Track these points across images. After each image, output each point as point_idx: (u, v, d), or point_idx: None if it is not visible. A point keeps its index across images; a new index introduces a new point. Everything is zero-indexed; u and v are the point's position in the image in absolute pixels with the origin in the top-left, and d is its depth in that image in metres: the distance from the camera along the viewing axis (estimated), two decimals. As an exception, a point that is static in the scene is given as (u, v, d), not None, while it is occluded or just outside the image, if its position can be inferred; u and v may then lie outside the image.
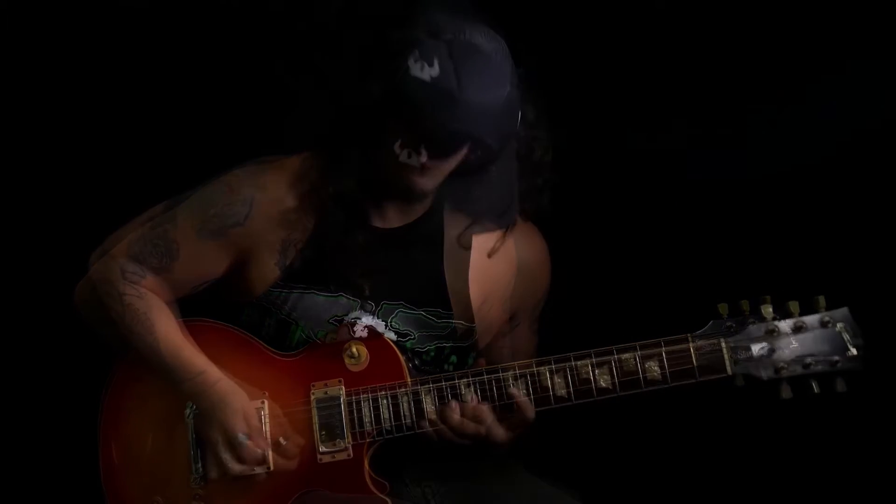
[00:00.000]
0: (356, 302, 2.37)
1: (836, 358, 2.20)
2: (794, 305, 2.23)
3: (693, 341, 2.24)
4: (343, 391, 2.32)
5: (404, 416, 2.29)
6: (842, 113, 2.84)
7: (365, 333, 2.37)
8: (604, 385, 2.25)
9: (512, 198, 2.37)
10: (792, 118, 2.87)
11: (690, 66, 2.93)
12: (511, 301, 2.47)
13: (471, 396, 2.28)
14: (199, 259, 2.35)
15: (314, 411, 2.32)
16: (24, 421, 3.06)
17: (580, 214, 2.84)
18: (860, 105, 2.83)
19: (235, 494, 2.32)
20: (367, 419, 2.30)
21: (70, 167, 3.03)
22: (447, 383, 2.29)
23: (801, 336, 2.22)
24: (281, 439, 2.30)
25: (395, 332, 2.38)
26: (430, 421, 2.28)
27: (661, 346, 2.24)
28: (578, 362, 2.26)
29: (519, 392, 2.27)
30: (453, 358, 2.44)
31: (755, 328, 2.23)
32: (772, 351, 2.22)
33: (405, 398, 2.30)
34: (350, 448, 2.30)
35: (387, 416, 2.30)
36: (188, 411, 2.34)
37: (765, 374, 2.22)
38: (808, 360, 2.20)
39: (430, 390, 2.29)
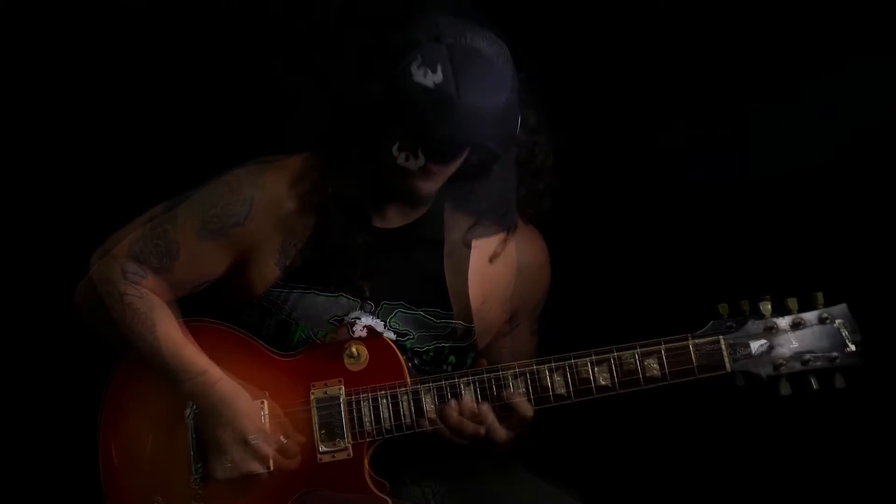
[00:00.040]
0: (356, 302, 2.37)
1: (835, 354, 2.20)
2: (792, 302, 2.23)
3: (692, 340, 2.24)
4: (343, 391, 2.32)
5: (404, 415, 2.30)
6: (842, 113, 2.84)
7: (364, 333, 2.37)
8: (603, 383, 2.25)
9: (512, 199, 2.37)
10: (792, 118, 2.87)
11: (690, 67, 2.93)
12: (511, 302, 2.47)
13: (469, 397, 2.28)
14: (199, 259, 2.36)
15: (314, 411, 2.32)
16: (24, 421, 3.06)
17: (580, 214, 2.83)
18: (860, 105, 2.83)
19: (235, 494, 2.32)
20: (366, 419, 2.30)
21: (70, 167, 3.04)
22: (447, 382, 2.29)
23: (799, 333, 2.22)
24: (282, 438, 2.30)
25: (395, 332, 2.39)
26: (430, 420, 2.28)
27: (660, 345, 2.25)
28: (578, 361, 2.26)
29: (512, 393, 2.27)
30: (452, 358, 2.44)
31: (754, 325, 2.23)
32: (771, 348, 2.22)
33: (405, 398, 2.30)
34: (350, 448, 2.30)
35: (386, 415, 2.30)
36: (188, 411, 2.34)
37: (764, 371, 2.22)
38: (807, 356, 2.21)
39: (429, 390, 2.29)
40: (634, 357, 2.25)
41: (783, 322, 2.23)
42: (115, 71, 3.00)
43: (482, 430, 2.27)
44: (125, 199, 2.54)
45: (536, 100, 2.31)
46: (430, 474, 2.44)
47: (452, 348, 2.43)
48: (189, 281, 2.37)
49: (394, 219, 2.37)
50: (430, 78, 2.12)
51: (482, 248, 2.42)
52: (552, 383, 2.27)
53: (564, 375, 2.26)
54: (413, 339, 2.40)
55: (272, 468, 2.30)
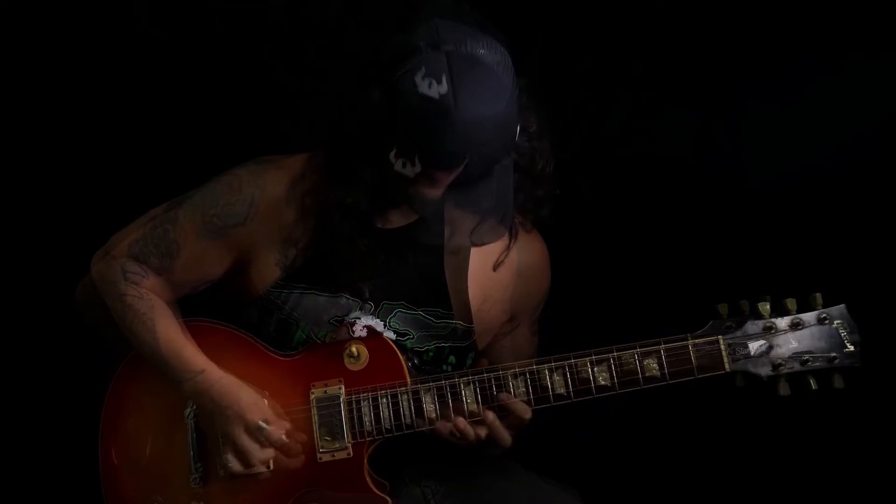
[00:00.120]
0: (356, 302, 2.37)
1: (834, 355, 2.21)
2: (791, 303, 2.24)
3: (692, 340, 2.24)
4: (343, 391, 2.32)
5: (404, 415, 2.30)
6: (842, 113, 2.84)
7: (364, 333, 2.37)
8: (603, 383, 2.26)
9: (511, 199, 2.36)
10: (792, 118, 2.88)
11: (690, 67, 2.94)
12: (510, 303, 2.47)
13: (471, 399, 2.29)
14: (200, 259, 2.36)
15: (314, 411, 2.32)
16: (24, 421, 3.06)
17: (581, 214, 2.84)
18: (860, 105, 2.84)
19: (236, 494, 2.32)
20: (366, 418, 2.30)
21: (72, 168, 3.04)
22: (447, 382, 2.30)
23: (798, 333, 2.23)
24: (283, 436, 2.30)
25: (395, 332, 2.39)
26: (430, 420, 2.28)
27: (659, 345, 2.25)
28: (577, 361, 2.27)
29: (508, 396, 2.27)
30: (452, 358, 2.44)
31: (753, 326, 2.24)
32: (770, 348, 2.23)
33: (405, 397, 2.30)
34: (350, 447, 2.30)
35: (386, 415, 2.30)
36: (188, 411, 2.35)
37: (763, 371, 2.23)
38: (806, 356, 2.21)
39: (429, 389, 2.30)
40: (634, 357, 2.25)
41: (782, 322, 2.23)
42: (116, 71, 3.01)
43: (483, 433, 2.28)
44: (125, 199, 2.54)
45: (537, 106, 2.28)
46: (430, 474, 2.44)
47: (452, 348, 2.43)
48: (189, 281, 2.38)
49: (394, 219, 2.36)
50: (434, 89, 2.07)
51: (483, 250, 2.42)
52: (552, 383, 2.27)
53: (564, 375, 2.27)
54: (413, 338, 2.40)
55: (273, 467, 2.30)
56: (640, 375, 2.24)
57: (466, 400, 2.29)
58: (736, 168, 2.94)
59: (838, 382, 2.21)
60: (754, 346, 2.23)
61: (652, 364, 2.24)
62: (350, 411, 2.31)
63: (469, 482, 2.43)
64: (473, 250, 2.41)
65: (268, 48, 3.01)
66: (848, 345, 2.20)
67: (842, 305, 2.23)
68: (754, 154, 2.93)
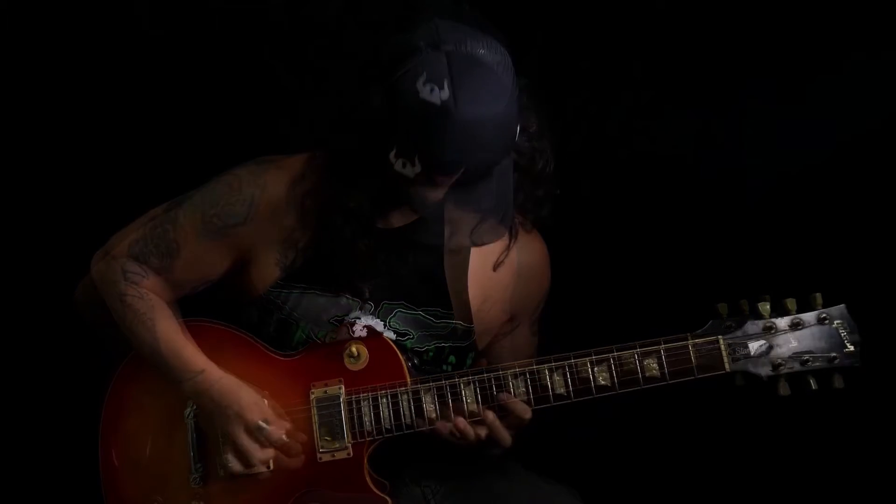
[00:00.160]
0: (356, 302, 2.37)
1: (834, 355, 2.21)
2: (791, 303, 2.24)
3: (691, 340, 2.24)
4: (343, 391, 2.32)
5: (404, 415, 2.30)
6: (842, 113, 2.84)
7: (364, 333, 2.37)
8: (603, 383, 2.26)
9: (511, 199, 2.36)
10: (792, 118, 2.88)
11: (690, 67, 2.94)
12: (510, 303, 2.47)
13: (471, 399, 2.29)
14: (200, 259, 2.36)
15: (314, 411, 2.32)
16: (24, 421, 3.06)
17: (581, 214, 2.84)
18: (860, 105, 2.84)
19: (236, 494, 2.32)
20: (366, 418, 2.30)
21: (71, 168, 3.04)
22: (447, 382, 2.30)
23: (798, 333, 2.23)
24: (283, 436, 2.30)
25: (395, 332, 2.39)
26: (430, 420, 2.28)
27: (659, 345, 2.25)
28: (577, 361, 2.27)
29: (508, 396, 2.27)
30: (452, 358, 2.44)
31: (753, 326, 2.24)
32: (770, 348, 2.23)
33: (405, 397, 2.30)
34: (350, 447, 2.30)
35: (386, 415, 2.30)
36: (188, 411, 2.35)
37: (763, 371, 2.23)
38: (806, 356, 2.21)
39: (429, 389, 2.30)
40: (634, 357, 2.25)
41: (782, 322, 2.23)
42: (116, 71, 3.01)
43: (483, 433, 2.28)
44: (125, 199, 2.54)
45: (537, 106, 2.27)
46: (430, 474, 2.44)
47: (452, 348, 2.43)
48: (189, 281, 2.38)
49: (394, 219, 2.35)
50: (435, 95, 2.05)
51: (483, 249, 2.42)
52: (552, 383, 2.27)
53: (564, 375, 2.27)
54: (413, 338, 2.40)
55: (273, 467, 2.30)
56: (640, 375, 2.25)
57: (466, 400, 2.29)
58: (736, 168, 2.94)
59: (838, 382, 2.21)
60: (754, 346, 2.23)
61: (652, 364, 2.25)
62: (350, 411, 2.31)
63: (469, 482, 2.43)
64: (473, 250, 2.41)
65: (268, 48, 3.02)
66: (848, 345, 2.20)
67: (842, 305, 2.23)
68: (754, 154, 2.93)
